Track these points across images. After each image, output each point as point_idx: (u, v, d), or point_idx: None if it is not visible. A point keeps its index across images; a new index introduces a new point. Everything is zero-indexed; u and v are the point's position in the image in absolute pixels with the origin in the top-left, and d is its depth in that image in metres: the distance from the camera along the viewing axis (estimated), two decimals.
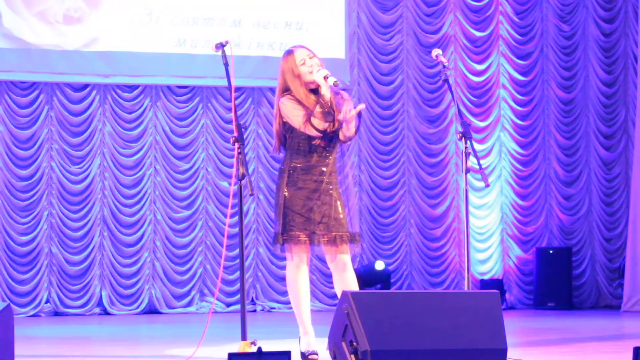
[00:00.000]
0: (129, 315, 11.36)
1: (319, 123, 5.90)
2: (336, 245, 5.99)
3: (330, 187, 6.04)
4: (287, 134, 6.07)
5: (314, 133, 5.94)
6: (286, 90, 6.05)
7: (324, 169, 6.04)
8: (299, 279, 6.04)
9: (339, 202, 6.04)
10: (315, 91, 6.02)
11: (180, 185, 11.76)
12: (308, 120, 5.91)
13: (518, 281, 12.46)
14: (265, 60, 11.55)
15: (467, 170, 5.86)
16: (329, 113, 5.90)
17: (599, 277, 12.58)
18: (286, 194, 6.02)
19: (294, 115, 5.96)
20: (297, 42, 6.71)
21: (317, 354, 5.96)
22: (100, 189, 11.52)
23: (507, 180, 12.60)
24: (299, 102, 5.98)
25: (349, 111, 5.94)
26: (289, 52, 6.08)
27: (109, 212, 11.51)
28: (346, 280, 6.00)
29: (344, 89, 6.35)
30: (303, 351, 6.00)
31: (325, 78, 5.92)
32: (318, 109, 5.89)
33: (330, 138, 6.04)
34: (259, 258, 11.92)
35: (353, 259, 11.76)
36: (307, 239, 5.98)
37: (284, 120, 6.03)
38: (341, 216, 6.02)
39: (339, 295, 5.80)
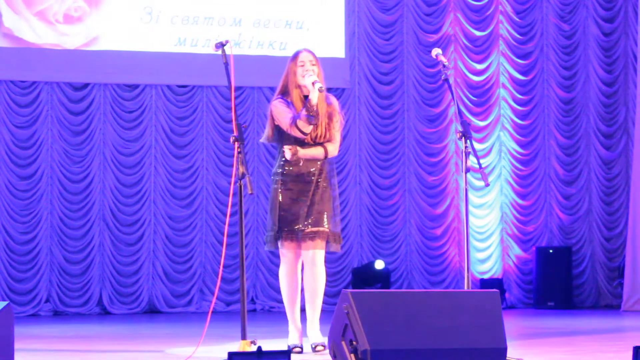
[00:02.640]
0: (129, 314, 11.36)
1: (303, 125, 6.17)
2: (312, 240, 6.24)
3: (319, 187, 6.31)
4: (279, 134, 6.33)
5: (298, 135, 6.21)
6: (283, 92, 6.33)
7: (314, 169, 6.30)
8: (288, 277, 6.34)
9: (325, 202, 6.30)
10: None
11: (180, 184, 11.76)
12: (293, 122, 6.17)
13: (518, 280, 12.46)
14: (266, 60, 11.54)
15: (467, 170, 5.88)
16: (312, 117, 6.15)
17: (598, 276, 12.58)
18: (278, 194, 6.30)
19: (283, 117, 6.25)
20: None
21: (300, 347, 6.27)
22: (100, 189, 11.52)
23: (507, 179, 12.60)
24: (289, 105, 6.25)
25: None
26: (297, 53, 6.35)
27: (109, 212, 11.51)
28: (315, 276, 6.27)
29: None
30: (289, 345, 6.31)
31: (313, 84, 6.17)
32: (303, 112, 6.17)
33: (320, 143, 6.30)
34: (258, 257, 11.92)
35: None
36: (295, 237, 6.26)
37: (276, 123, 6.31)
38: (325, 213, 6.28)
39: (305, 289, 6.25)
